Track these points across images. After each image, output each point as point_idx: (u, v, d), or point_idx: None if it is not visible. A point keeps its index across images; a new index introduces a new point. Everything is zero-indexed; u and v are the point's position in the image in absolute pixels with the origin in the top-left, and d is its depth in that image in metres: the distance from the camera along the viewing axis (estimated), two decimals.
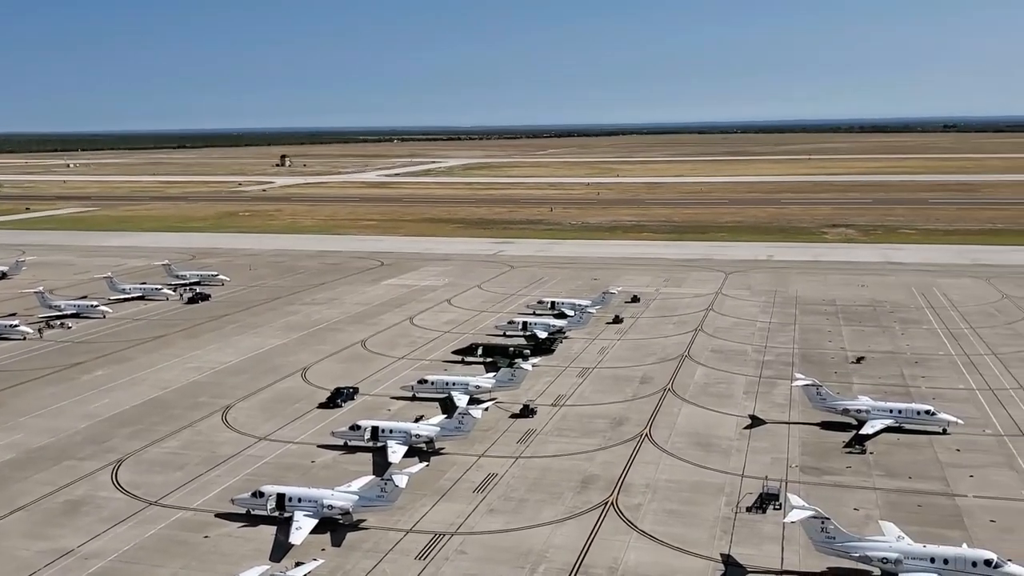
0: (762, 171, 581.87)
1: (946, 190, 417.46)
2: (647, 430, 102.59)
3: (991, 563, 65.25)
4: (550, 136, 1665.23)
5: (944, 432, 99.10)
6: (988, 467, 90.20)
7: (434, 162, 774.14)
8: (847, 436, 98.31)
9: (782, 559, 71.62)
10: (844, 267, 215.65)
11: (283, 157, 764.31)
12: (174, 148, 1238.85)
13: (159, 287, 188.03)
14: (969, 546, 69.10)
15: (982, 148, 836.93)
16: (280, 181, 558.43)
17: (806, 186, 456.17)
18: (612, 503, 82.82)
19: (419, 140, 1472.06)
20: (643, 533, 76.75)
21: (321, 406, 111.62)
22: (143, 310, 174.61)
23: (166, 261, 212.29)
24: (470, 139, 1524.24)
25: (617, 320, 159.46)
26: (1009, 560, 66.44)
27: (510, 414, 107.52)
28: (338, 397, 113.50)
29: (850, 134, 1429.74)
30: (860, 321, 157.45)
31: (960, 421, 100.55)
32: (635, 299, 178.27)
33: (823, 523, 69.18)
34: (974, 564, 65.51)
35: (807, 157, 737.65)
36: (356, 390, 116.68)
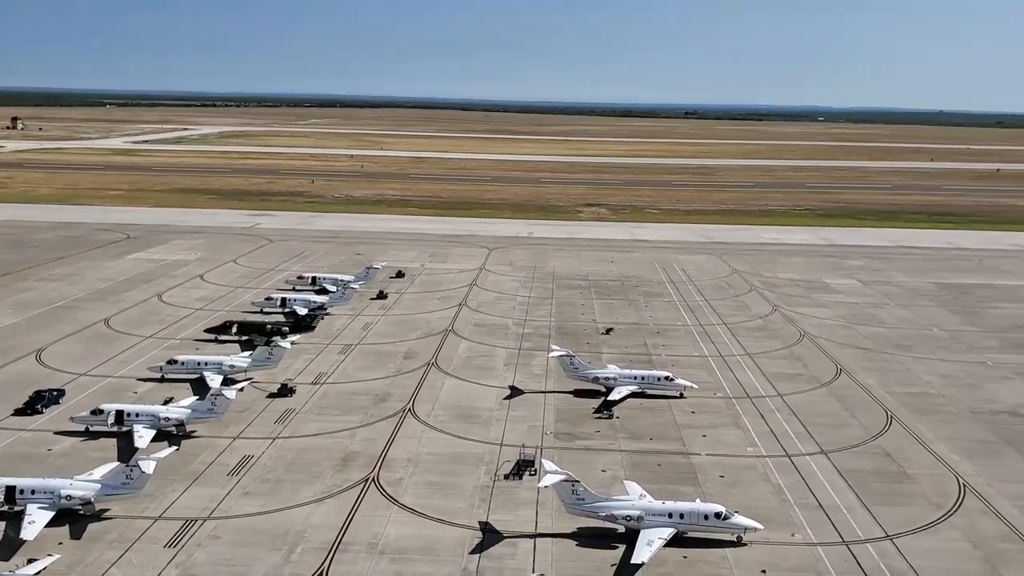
0: (523, 150, 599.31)
1: (686, 173, 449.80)
2: (410, 405, 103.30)
3: (720, 515, 71.53)
4: (312, 106, 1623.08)
5: (681, 396, 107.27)
6: (718, 427, 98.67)
7: (187, 129, 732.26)
8: (597, 403, 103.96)
9: (536, 523, 74.79)
10: (596, 244, 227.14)
11: (14, 119, 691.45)
12: None
13: None
14: (702, 500, 75.42)
15: (718, 135, 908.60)
16: (12, 146, 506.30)
17: (564, 166, 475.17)
18: (373, 479, 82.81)
19: (170, 105, 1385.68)
20: (404, 507, 77.41)
21: (17, 412, 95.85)
22: None
23: None
24: (226, 106, 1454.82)
25: (381, 295, 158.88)
26: (736, 512, 73.13)
27: (267, 394, 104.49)
28: (38, 402, 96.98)
29: (604, 117, 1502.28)
30: (609, 295, 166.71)
31: (695, 385, 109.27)
32: (400, 274, 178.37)
33: (574, 486, 72.90)
34: (706, 517, 71.58)
35: (566, 138, 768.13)
36: (62, 392, 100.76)
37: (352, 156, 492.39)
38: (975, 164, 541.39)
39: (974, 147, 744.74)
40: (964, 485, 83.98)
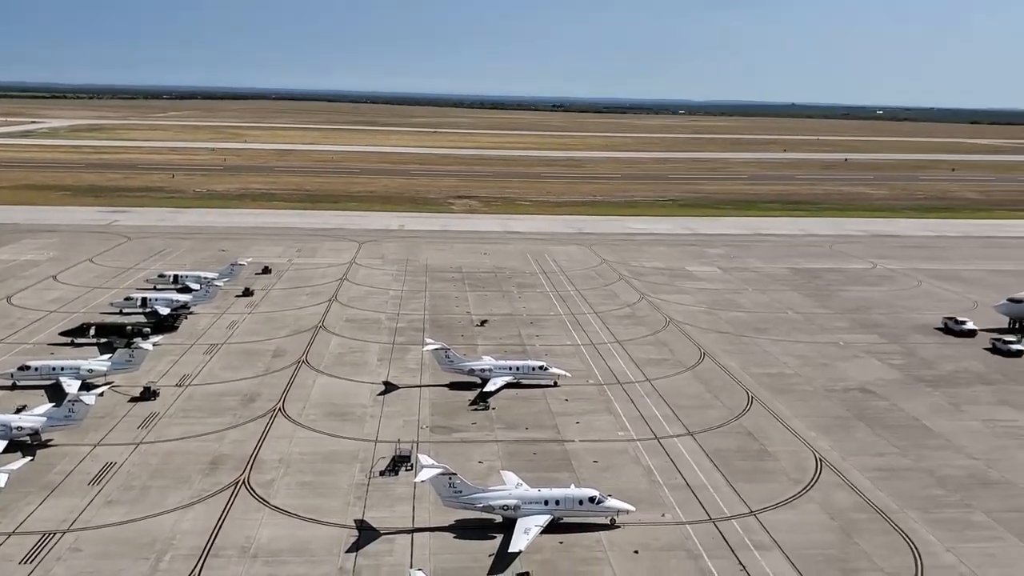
0: (392, 142, 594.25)
1: (555, 165, 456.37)
2: (280, 404, 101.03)
3: (594, 499, 73.12)
4: (172, 98, 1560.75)
5: (555, 385, 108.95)
6: (591, 413, 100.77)
7: (34, 122, 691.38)
8: (473, 395, 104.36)
9: (413, 518, 74.53)
10: (469, 236, 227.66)
11: None
12: None
13: None
14: (576, 486, 76.89)
15: (585, 127, 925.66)
16: None
17: (434, 158, 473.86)
18: (244, 482, 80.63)
19: (15, 97, 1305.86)
20: (276, 508, 75.71)
21: None
22: None
23: None
24: (77, 98, 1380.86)
25: (247, 293, 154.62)
26: (609, 495, 74.96)
27: (129, 398, 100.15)
28: None
29: (472, 110, 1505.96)
30: (483, 287, 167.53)
31: (568, 374, 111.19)
32: (266, 270, 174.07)
33: (450, 479, 73.00)
34: (580, 502, 73.04)
35: (434, 130, 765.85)
36: None
37: (214, 149, 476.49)
38: (824, 154, 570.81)
39: (823, 138, 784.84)
40: (820, 460, 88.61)
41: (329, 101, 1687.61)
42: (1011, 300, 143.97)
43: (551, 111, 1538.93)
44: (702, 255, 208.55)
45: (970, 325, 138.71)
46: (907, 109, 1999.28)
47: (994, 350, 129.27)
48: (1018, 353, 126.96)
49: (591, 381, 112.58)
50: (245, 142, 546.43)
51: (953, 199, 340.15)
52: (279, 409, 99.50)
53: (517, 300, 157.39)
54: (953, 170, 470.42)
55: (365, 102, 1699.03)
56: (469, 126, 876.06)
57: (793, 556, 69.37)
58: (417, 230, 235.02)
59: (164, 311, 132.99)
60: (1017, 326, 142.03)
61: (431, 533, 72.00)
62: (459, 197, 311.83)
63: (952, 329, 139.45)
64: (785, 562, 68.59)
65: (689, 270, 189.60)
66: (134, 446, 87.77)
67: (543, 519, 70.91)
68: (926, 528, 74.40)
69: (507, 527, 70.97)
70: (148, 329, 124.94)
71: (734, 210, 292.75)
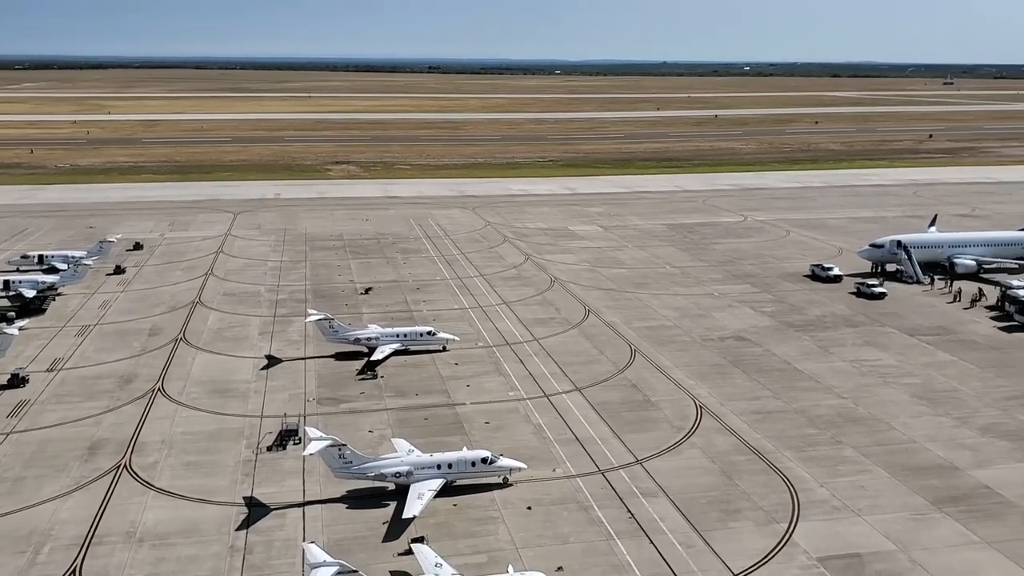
0: (264, 109, 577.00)
1: (434, 128, 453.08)
2: (159, 384, 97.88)
3: (487, 460, 73.93)
4: (26, 68, 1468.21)
5: (444, 349, 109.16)
6: (481, 376, 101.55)
7: None
8: (360, 364, 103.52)
9: (304, 491, 73.77)
10: (348, 202, 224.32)
11: None
12: None
13: None
14: (468, 448, 77.62)
15: (463, 89, 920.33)
16: None
17: (308, 124, 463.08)
18: (125, 465, 78.02)
19: None
20: (160, 491, 73.64)
21: None
22: None
23: None
24: None
25: (119, 270, 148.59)
26: (502, 455, 75.97)
27: None
28: None
29: (347, 73, 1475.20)
30: (366, 254, 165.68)
31: (456, 338, 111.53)
32: (138, 246, 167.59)
33: (340, 450, 72.46)
34: (473, 463, 73.72)
35: (308, 95, 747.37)
36: None
37: (75, 122, 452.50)
38: (696, 112, 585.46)
39: (694, 95, 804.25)
40: (700, 407, 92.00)
41: (196, 68, 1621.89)
42: (872, 245, 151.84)
43: (427, 73, 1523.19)
44: (583, 214, 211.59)
45: (835, 271, 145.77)
46: (772, 64, 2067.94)
47: (858, 294, 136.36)
48: (880, 296, 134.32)
49: (480, 344, 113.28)
50: (109, 113, 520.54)
51: (817, 151, 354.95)
52: (158, 389, 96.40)
53: (402, 266, 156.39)
54: (816, 123, 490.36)
55: (234, 68, 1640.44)
56: (343, 90, 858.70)
57: (678, 500, 72.07)
58: (294, 198, 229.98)
59: (30, 293, 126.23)
60: (879, 270, 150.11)
61: (323, 505, 71.47)
62: (337, 163, 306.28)
63: (819, 275, 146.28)
64: (671, 506, 71.21)
65: (572, 230, 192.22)
66: (4, 436, 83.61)
67: (436, 483, 71.32)
68: (801, 466, 78.41)
69: (400, 494, 71.10)
70: (13, 313, 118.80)
71: (611, 169, 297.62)
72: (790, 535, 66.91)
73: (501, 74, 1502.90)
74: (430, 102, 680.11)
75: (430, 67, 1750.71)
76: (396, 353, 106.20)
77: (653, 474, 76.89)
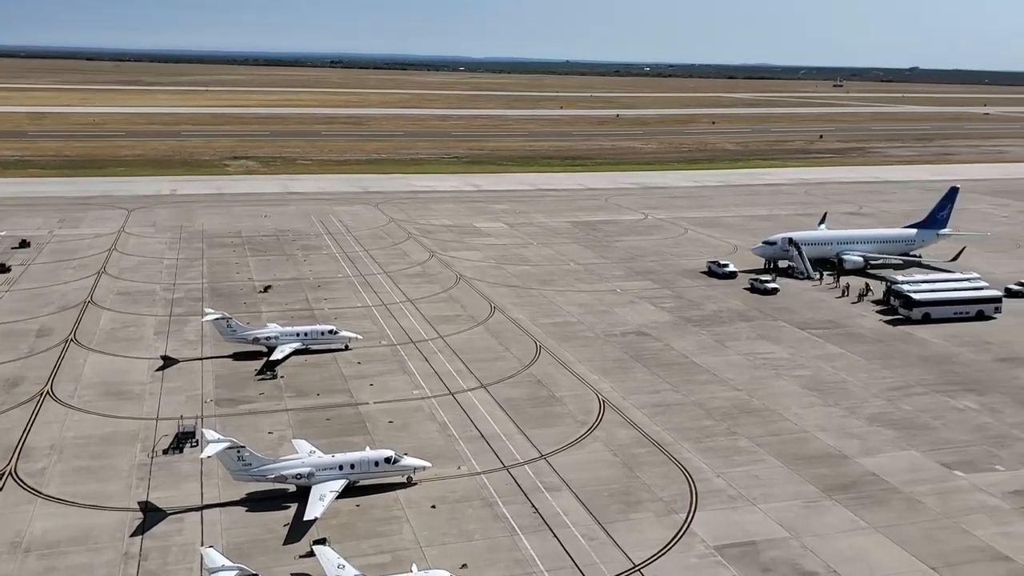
0: (159, 102, 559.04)
1: (336, 123, 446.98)
2: (48, 387, 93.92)
3: (390, 459, 73.41)
4: None
5: (346, 348, 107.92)
6: (385, 374, 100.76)
7: None
8: (259, 364, 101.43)
9: (202, 495, 71.91)
10: (247, 199, 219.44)
11: None
12: None
13: None
14: (371, 448, 76.95)
15: (366, 84, 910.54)
16: None
17: (206, 118, 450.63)
18: (11, 473, 74.61)
19: None
20: (50, 498, 70.71)
21: None
22: None
23: None
24: None
25: (4, 269, 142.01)
26: (406, 454, 75.58)
27: None
28: None
29: (246, 66, 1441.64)
30: (266, 251, 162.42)
31: (360, 336, 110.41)
32: (24, 244, 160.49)
33: (239, 452, 70.88)
34: (376, 463, 73.11)
35: (205, 89, 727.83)
36: None
37: None
38: (598, 111, 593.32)
39: (597, 95, 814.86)
40: (603, 401, 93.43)
41: (87, 59, 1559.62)
42: (765, 243, 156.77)
43: (329, 67, 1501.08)
44: (488, 211, 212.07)
45: (731, 268, 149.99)
46: (671, 66, 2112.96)
47: (752, 289, 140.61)
48: (773, 291, 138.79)
49: (384, 342, 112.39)
50: None
51: (714, 151, 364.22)
52: (47, 392, 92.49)
53: (302, 263, 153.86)
54: (714, 123, 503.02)
55: (127, 60, 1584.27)
56: (243, 84, 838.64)
57: (581, 494, 73.05)
58: (191, 194, 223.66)
59: None
60: (772, 266, 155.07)
61: (221, 509, 69.82)
62: (235, 158, 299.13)
63: (715, 272, 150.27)
64: (574, 500, 72.13)
65: (477, 226, 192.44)
66: None
67: (339, 484, 70.49)
68: (698, 456, 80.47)
69: (302, 496, 69.98)
70: None
71: (516, 166, 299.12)
72: (688, 525, 68.62)
73: (405, 70, 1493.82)
74: (332, 97, 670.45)
75: (332, 61, 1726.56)
76: (297, 352, 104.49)
77: (557, 468, 77.70)
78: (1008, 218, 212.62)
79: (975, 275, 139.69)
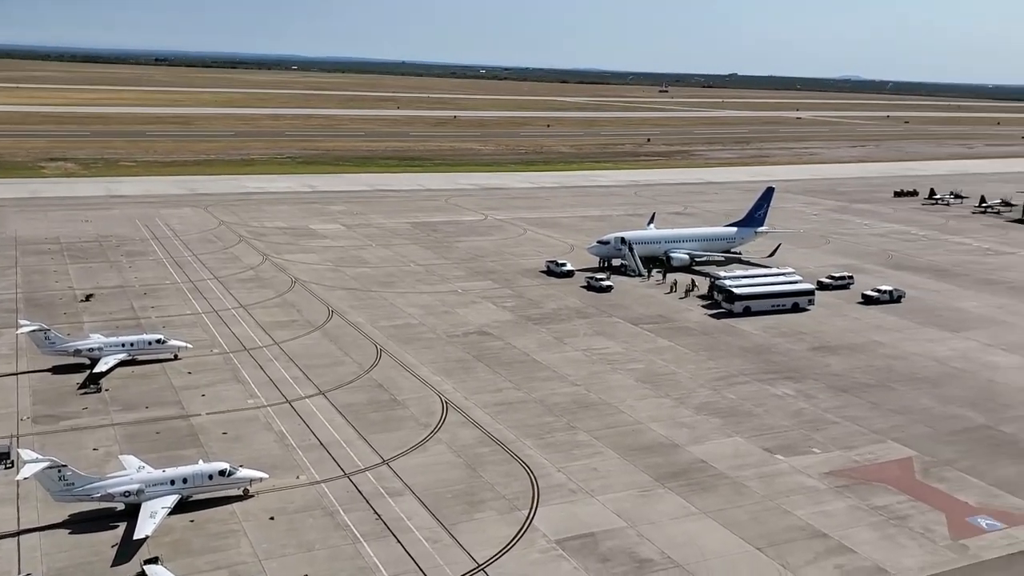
0: None
1: (162, 123, 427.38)
2: None
3: (225, 472, 70.89)
4: None
5: (176, 358, 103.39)
6: (217, 384, 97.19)
7: None
8: (82, 377, 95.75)
9: (18, 519, 67.15)
10: (66, 202, 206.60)
11: None
12: None
13: None
14: (205, 461, 74.05)
15: (193, 83, 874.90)
16: None
17: (17, 116, 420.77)
18: None
19: None
20: None
21: None
22: None
23: None
24: None
25: None
26: (241, 466, 73.24)
27: None
28: None
29: (61, 62, 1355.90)
30: (87, 258, 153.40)
31: (189, 345, 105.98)
32: None
33: (60, 471, 66.63)
34: (210, 476, 70.43)
35: (16, 86, 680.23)
36: None
37: None
38: (435, 112, 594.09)
39: (434, 96, 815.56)
40: (446, 402, 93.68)
41: None
42: (600, 242, 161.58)
43: (154, 65, 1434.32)
44: (324, 212, 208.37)
45: (568, 267, 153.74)
46: (506, 69, 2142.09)
47: (588, 287, 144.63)
48: (608, 288, 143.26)
49: (215, 350, 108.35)
50: None
51: (549, 153, 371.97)
52: None
53: (127, 270, 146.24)
54: (548, 126, 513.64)
55: None
56: (59, 81, 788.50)
57: (424, 497, 72.99)
58: (2, 198, 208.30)
59: None
60: (606, 264, 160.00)
61: (41, 533, 65.40)
62: (52, 160, 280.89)
63: (553, 271, 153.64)
64: (417, 504, 71.98)
65: (313, 228, 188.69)
66: None
67: (170, 500, 67.47)
68: (540, 452, 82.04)
69: (131, 514, 66.54)
70: None
71: (353, 167, 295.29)
72: (531, 521, 69.85)
73: (234, 68, 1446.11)
74: (158, 95, 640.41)
75: (157, 59, 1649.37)
76: (122, 364, 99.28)
77: (400, 473, 77.29)
78: (818, 216, 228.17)
79: (790, 270, 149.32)
